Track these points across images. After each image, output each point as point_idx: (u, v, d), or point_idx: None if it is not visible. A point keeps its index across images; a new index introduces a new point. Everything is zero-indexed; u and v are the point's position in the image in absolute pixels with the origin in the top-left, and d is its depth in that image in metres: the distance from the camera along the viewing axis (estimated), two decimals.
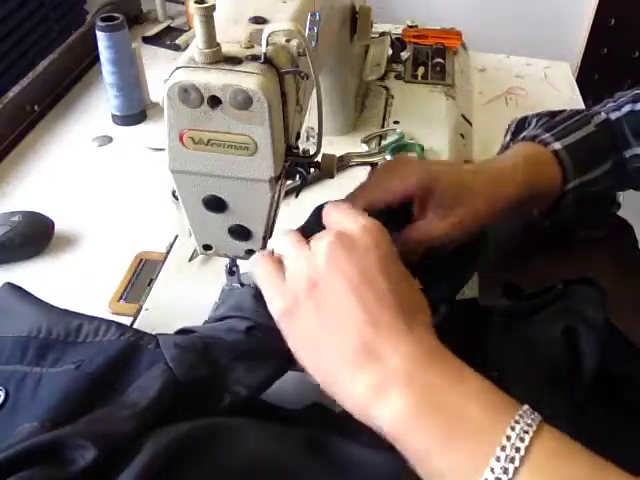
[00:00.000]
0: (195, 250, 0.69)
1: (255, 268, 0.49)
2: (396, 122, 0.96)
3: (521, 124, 0.75)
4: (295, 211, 0.70)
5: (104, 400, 0.47)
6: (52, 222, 0.74)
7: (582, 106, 1.01)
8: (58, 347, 0.51)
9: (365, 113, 0.98)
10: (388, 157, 0.87)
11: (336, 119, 0.90)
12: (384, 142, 0.91)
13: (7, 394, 0.49)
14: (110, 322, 0.52)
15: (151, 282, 0.69)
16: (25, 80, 0.95)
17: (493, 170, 0.64)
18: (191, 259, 0.71)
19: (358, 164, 0.87)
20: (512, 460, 0.35)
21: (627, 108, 0.70)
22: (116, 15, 0.90)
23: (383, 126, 0.96)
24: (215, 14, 0.44)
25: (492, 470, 0.35)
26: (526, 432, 0.36)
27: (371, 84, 1.03)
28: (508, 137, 0.75)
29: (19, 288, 0.57)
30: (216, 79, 0.44)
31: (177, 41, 1.16)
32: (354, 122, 0.94)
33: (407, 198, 0.60)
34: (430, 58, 1.11)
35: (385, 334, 0.42)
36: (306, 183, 0.57)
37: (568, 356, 0.50)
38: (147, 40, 1.18)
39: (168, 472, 0.41)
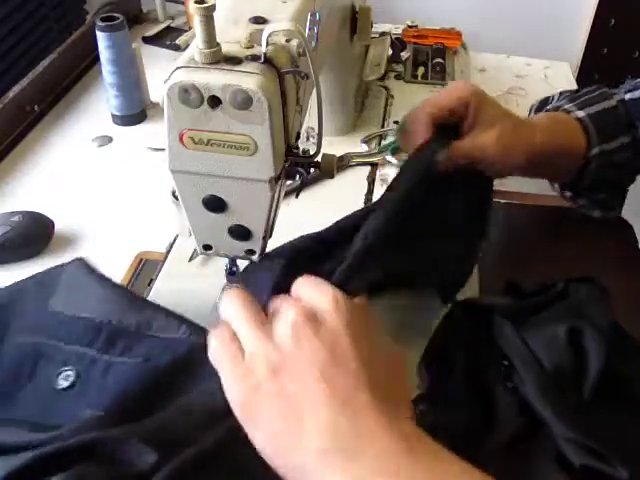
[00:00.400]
0: (195, 250, 0.69)
1: (210, 344, 0.43)
2: (396, 122, 0.96)
3: (544, 102, 0.78)
4: (295, 211, 0.70)
5: (167, 397, 0.47)
6: (52, 222, 0.74)
7: None
8: (128, 336, 0.51)
9: (365, 113, 0.98)
10: (388, 157, 0.87)
11: (336, 119, 0.90)
12: (384, 142, 0.91)
13: (78, 375, 0.50)
14: (182, 319, 0.52)
15: (151, 282, 0.69)
16: (25, 80, 0.95)
17: (523, 119, 0.69)
18: (191, 259, 0.71)
19: (358, 164, 0.87)
20: None
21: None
22: (116, 15, 0.90)
23: (383, 126, 0.96)
24: (215, 14, 0.44)
25: None
26: None
27: (371, 84, 1.03)
28: (532, 114, 0.78)
29: (91, 267, 0.58)
30: (216, 79, 0.44)
31: (177, 41, 1.16)
32: (354, 122, 0.94)
33: (457, 115, 0.65)
34: (430, 58, 1.11)
35: (359, 427, 0.37)
36: (306, 183, 0.57)
37: (573, 357, 0.50)
38: (147, 40, 1.18)
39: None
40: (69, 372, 0.50)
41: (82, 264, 0.58)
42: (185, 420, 0.45)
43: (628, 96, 0.72)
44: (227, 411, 0.40)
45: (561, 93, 0.77)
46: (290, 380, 0.39)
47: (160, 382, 0.48)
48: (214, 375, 0.42)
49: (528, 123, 0.68)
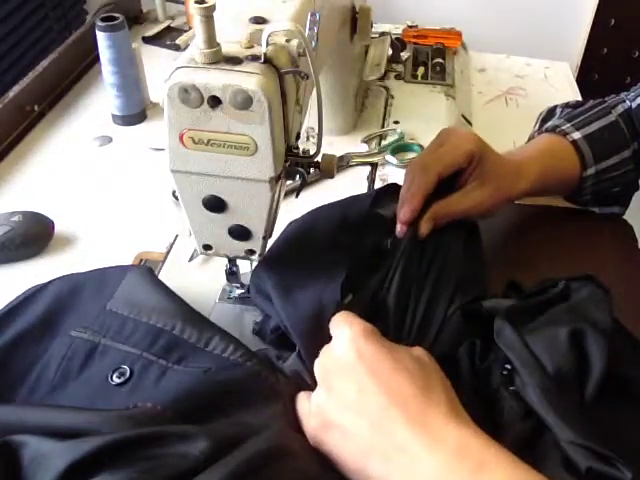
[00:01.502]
0: (195, 250, 0.69)
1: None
2: (396, 122, 0.96)
3: (549, 113, 0.80)
4: (295, 211, 0.70)
5: (222, 410, 0.47)
6: (52, 222, 0.74)
7: None
8: (185, 348, 0.52)
9: (365, 113, 0.98)
10: (388, 157, 0.87)
11: (336, 119, 0.90)
12: (384, 142, 0.91)
13: (131, 373, 0.51)
14: (239, 343, 0.53)
15: None
16: (25, 80, 0.95)
17: (512, 164, 0.70)
18: (191, 259, 0.71)
19: (358, 164, 0.87)
20: None
21: None
22: (116, 15, 0.90)
23: (383, 126, 0.95)
24: (215, 14, 0.44)
25: None
26: None
27: (371, 84, 1.03)
28: (537, 126, 0.80)
29: (154, 276, 0.60)
30: (216, 79, 0.44)
31: (177, 41, 1.16)
32: (354, 122, 0.94)
33: (459, 168, 0.65)
34: (430, 58, 1.11)
35: (412, 440, 0.41)
36: (306, 183, 0.57)
37: (575, 359, 0.50)
38: (147, 40, 1.18)
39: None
40: (123, 370, 0.51)
41: (146, 271, 0.60)
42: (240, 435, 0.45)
43: (635, 103, 0.73)
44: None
45: (565, 104, 0.79)
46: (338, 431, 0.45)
47: (218, 393, 0.48)
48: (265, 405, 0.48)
49: (517, 171, 0.69)
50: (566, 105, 0.79)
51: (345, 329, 0.48)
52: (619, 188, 0.76)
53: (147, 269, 0.60)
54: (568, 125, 0.72)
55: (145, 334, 0.53)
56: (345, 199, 0.69)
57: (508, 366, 0.51)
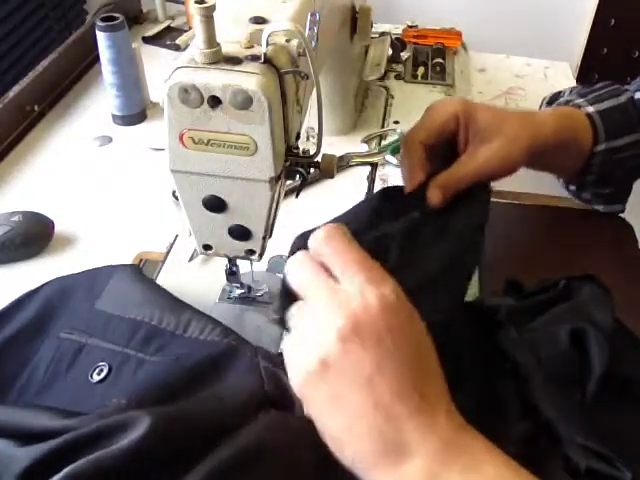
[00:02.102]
0: (195, 250, 0.69)
1: (293, 269, 0.43)
2: (396, 122, 0.96)
3: (555, 96, 0.78)
4: (295, 211, 0.70)
5: (192, 393, 0.48)
6: (52, 222, 0.74)
7: None
8: (164, 337, 0.53)
9: (365, 113, 0.98)
10: (388, 157, 0.87)
11: (336, 119, 0.90)
12: (384, 142, 0.91)
13: (110, 370, 0.52)
14: (217, 323, 0.54)
15: None
16: (25, 80, 0.95)
17: (528, 113, 0.67)
18: (191, 259, 0.71)
19: (358, 164, 0.87)
20: None
21: None
22: (116, 15, 0.90)
23: (383, 126, 0.96)
24: (215, 14, 0.44)
25: None
26: None
27: (371, 84, 1.03)
28: (543, 107, 0.78)
29: (141, 274, 0.60)
30: (216, 79, 0.44)
31: (177, 41, 1.16)
32: (354, 122, 0.94)
33: (448, 132, 0.62)
34: (430, 58, 1.11)
35: (407, 431, 0.39)
36: (306, 183, 0.57)
37: (576, 358, 0.50)
38: (147, 40, 1.18)
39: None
40: (103, 367, 0.52)
41: (133, 268, 0.61)
42: (212, 408, 0.46)
43: (638, 95, 0.72)
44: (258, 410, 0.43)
45: (573, 89, 0.77)
46: (338, 384, 0.39)
47: (188, 378, 0.49)
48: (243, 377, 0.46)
49: (530, 120, 0.66)
50: (573, 88, 0.77)
51: (378, 283, 0.41)
52: (622, 172, 0.74)
53: (134, 267, 0.61)
54: (581, 100, 0.70)
55: (125, 329, 0.54)
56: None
57: (509, 366, 0.51)
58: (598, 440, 0.44)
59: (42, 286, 0.61)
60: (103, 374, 0.51)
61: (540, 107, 0.80)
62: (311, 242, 0.44)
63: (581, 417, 0.46)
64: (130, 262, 0.71)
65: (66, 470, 0.39)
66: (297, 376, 0.41)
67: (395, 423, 0.39)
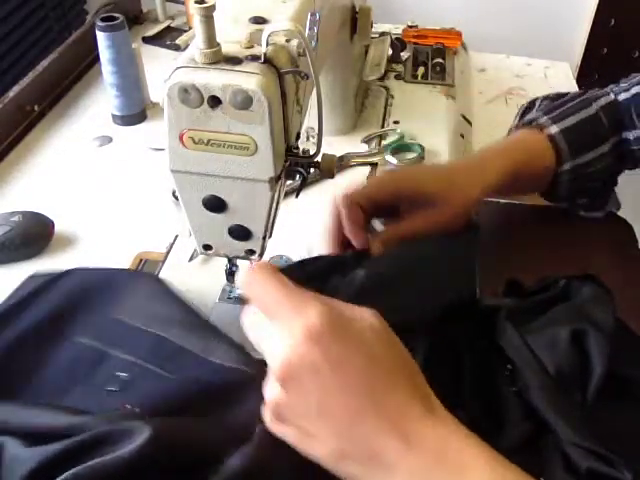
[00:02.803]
0: (195, 250, 0.69)
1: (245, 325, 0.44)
2: (396, 122, 0.96)
3: (529, 107, 0.77)
4: (295, 211, 0.70)
5: (201, 414, 0.48)
6: (52, 222, 0.74)
7: None
8: (187, 358, 0.53)
9: (365, 113, 0.98)
10: (388, 157, 0.87)
11: (336, 119, 0.90)
12: (384, 142, 0.91)
13: (127, 380, 0.52)
14: (241, 349, 0.53)
15: None
16: (25, 80, 0.95)
17: (475, 160, 0.68)
18: (191, 259, 0.71)
19: (358, 164, 0.87)
20: None
21: (635, 89, 0.71)
22: (116, 15, 0.90)
23: (383, 126, 0.95)
24: (215, 14, 0.44)
25: None
26: None
27: (371, 84, 1.03)
28: (516, 120, 0.78)
29: (162, 284, 0.60)
30: (216, 79, 0.44)
31: (177, 41, 1.16)
32: (354, 122, 0.94)
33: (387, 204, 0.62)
34: (430, 58, 1.11)
35: (380, 448, 0.39)
36: (306, 183, 0.57)
37: (577, 359, 0.50)
38: (147, 40, 1.18)
39: None
40: (120, 377, 0.52)
41: (156, 280, 0.61)
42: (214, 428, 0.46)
43: (622, 97, 0.71)
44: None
45: (544, 99, 0.76)
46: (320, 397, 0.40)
47: (200, 398, 0.49)
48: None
49: (481, 166, 0.65)
50: (546, 97, 0.76)
51: (301, 315, 0.40)
52: (598, 184, 0.74)
53: (156, 278, 0.61)
54: (545, 118, 0.70)
55: (148, 343, 0.54)
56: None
57: (510, 366, 0.51)
58: (597, 441, 0.44)
59: (61, 276, 0.60)
60: (119, 385, 0.51)
61: (515, 117, 0.79)
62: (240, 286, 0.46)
63: (581, 418, 0.46)
64: (130, 262, 0.71)
65: (66, 474, 0.39)
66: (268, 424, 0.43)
67: (363, 443, 0.39)
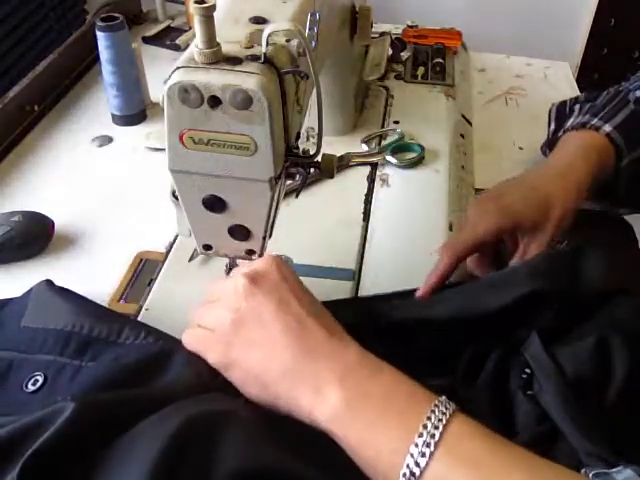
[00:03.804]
0: (195, 250, 0.69)
1: (184, 342, 0.52)
2: (396, 122, 0.96)
3: (562, 110, 0.79)
4: (295, 211, 0.70)
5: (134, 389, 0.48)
6: (52, 222, 0.74)
7: None
8: (98, 344, 0.53)
9: (365, 113, 0.98)
10: (388, 157, 0.87)
11: (336, 119, 0.90)
12: (384, 142, 0.91)
13: (46, 378, 0.52)
14: (150, 328, 0.55)
15: (151, 282, 0.69)
16: (25, 80, 0.95)
17: (561, 166, 0.68)
18: (191, 259, 0.71)
19: (358, 164, 0.87)
20: (428, 445, 0.40)
21: None
22: (116, 15, 0.90)
23: (383, 126, 0.95)
24: (215, 14, 0.44)
25: (412, 455, 0.40)
26: (440, 420, 0.41)
27: (371, 84, 1.03)
28: (553, 125, 0.79)
29: (57, 286, 0.60)
30: (216, 79, 0.44)
31: (177, 41, 1.16)
32: (354, 122, 0.94)
33: (490, 244, 0.64)
34: (430, 58, 1.11)
35: (314, 352, 0.46)
36: (306, 183, 0.57)
37: (599, 365, 0.49)
38: (147, 40, 1.18)
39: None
40: (38, 377, 0.52)
41: (48, 284, 0.60)
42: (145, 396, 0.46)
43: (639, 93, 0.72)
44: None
45: (576, 100, 0.78)
46: (252, 327, 0.48)
47: (127, 377, 0.49)
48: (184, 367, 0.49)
49: (568, 187, 0.66)
50: (576, 100, 0.78)
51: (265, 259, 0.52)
52: None
53: (48, 280, 0.60)
54: (596, 120, 0.71)
55: (56, 340, 0.54)
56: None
57: (528, 370, 0.51)
58: (610, 448, 0.43)
59: None
60: (39, 384, 0.51)
61: (549, 124, 0.80)
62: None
63: (597, 427, 0.45)
64: (130, 262, 0.71)
65: (20, 466, 0.39)
66: (215, 335, 0.49)
67: (306, 341, 0.47)
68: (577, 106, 0.78)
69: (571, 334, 0.53)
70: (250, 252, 0.56)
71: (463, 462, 0.39)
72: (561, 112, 0.79)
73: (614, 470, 0.39)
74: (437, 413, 0.41)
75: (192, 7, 0.43)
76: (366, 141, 0.91)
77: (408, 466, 0.39)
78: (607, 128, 0.70)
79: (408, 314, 0.57)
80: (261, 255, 0.56)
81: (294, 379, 0.46)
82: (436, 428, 0.40)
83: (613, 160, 0.70)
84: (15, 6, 1.32)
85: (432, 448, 0.39)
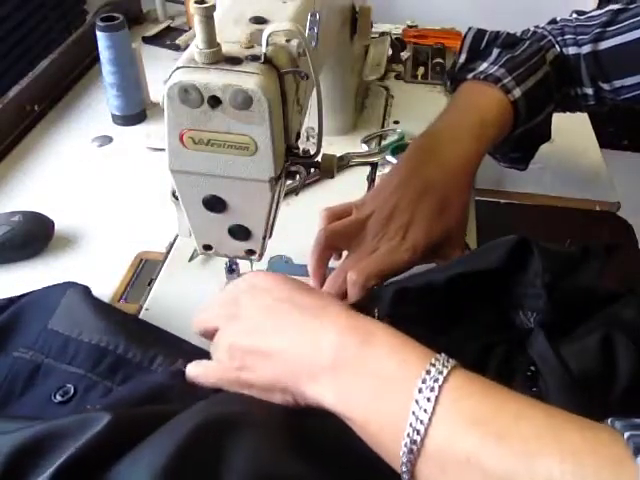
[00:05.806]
0: (195, 250, 0.69)
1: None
2: (396, 122, 0.96)
3: (478, 40, 0.75)
4: (295, 211, 0.70)
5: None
6: (52, 222, 0.74)
7: None
8: (130, 368, 0.53)
9: (365, 113, 0.98)
10: (388, 157, 0.87)
11: (336, 119, 0.90)
12: (384, 142, 0.91)
13: (75, 391, 0.52)
14: (184, 353, 0.54)
15: (151, 282, 0.69)
16: (25, 80, 0.95)
17: (454, 147, 0.66)
18: (191, 259, 0.71)
19: (358, 164, 0.87)
20: (428, 399, 0.38)
21: (588, 48, 0.71)
22: (116, 15, 0.90)
23: (383, 126, 0.96)
24: (215, 14, 0.44)
25: (413, 413, 0.38)
26: (440, 372, 0.39)
27: (371, 84, 1.03)
28: (464, 55, 0.76)
29: (93, 295, 0.60)
30: (216, 79, 0.44)
31: (177, 41, 1.16)
32: (354, 122, 0.95)
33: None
34: (430, 58, 1.11)
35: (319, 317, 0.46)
36: (306, 183, 0.57)
37: (605, 362, 0.49)
38: (147, 40, 1.18)
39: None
40: (68, 388, 0.52)
41: (84, 290, 0.60)
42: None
43: (571, 51, 0.72)
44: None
45: (496, 36, 0.75)
46: (249, 322, 0.48)
47: (153, 394, 0.49)
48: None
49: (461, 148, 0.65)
50: (497, 36, 0.74)
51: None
52: (530, 141, 0.74)
53: (85, 288, 0.60)
54: (509, 79, 0.68)
55: (88, 354, 0.53)
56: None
57: (532, 368, 0.51)
58: None
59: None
60: (68, 395, 0.51)
61: (459, 52, 0.76)
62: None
63: (598, 420, 0.46)
64: (130, 262, 0.71)
65: (51, 470, 0.38)
66: (230, 371, 0.47)
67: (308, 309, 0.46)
68: (496, 50, 0.73)
69: (576, 331, 0.53)
70: (250, 252, 0.56)
71: (467, 417, 0.38)
72: (476, 43, 0.75)
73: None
74: (435, 369, 0.40)
75: (192, 7, 0.43)
76: (366, 141, 0.91)
77: (411, 425, 0.38)
78: (516, 93, 0.68)
79: (406, 284, 0.56)
80: (261, 255, 0.56)
81: (293, 370, 0.45)
82: (435, 381, 0.39)
83: (509, 130, 0.69)
84: (15, 6, 1.32)
85: (433, 403, 0.38)
